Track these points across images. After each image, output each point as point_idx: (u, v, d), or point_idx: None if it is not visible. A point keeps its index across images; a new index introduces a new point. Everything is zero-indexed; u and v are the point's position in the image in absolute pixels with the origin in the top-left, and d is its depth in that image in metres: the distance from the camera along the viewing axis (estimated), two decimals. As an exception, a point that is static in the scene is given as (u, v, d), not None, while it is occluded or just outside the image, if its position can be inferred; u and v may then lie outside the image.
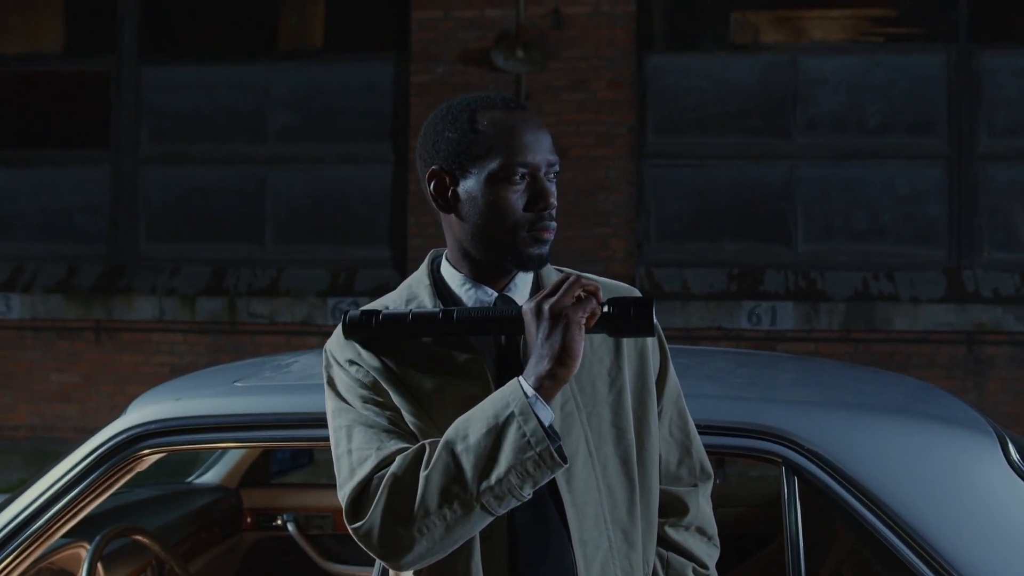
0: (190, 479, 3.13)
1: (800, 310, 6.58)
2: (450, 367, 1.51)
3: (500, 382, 1.46)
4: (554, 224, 1.54)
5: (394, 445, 1.47)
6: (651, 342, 1.64)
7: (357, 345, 1.55)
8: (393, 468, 1.45)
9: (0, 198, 7.47)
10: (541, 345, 1.41)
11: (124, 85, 7.32)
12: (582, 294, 1.42)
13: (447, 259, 1.61)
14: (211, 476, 3.10)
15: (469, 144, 1.53)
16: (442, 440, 1.44)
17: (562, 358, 1.40)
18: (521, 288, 1.58)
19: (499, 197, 1.51)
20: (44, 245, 7.37)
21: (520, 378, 1.43)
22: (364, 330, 1.54)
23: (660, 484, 1.63)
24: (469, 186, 1.54)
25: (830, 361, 2.80)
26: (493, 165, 1.51)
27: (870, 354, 6.55)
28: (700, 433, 1.66)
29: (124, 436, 1.87)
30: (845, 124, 6.83)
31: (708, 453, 1.70)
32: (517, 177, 1.51)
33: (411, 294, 1.59)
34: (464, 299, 1.55)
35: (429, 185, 1.58)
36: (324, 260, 7.08)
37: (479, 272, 1.57)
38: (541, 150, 1.52)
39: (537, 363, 1.42)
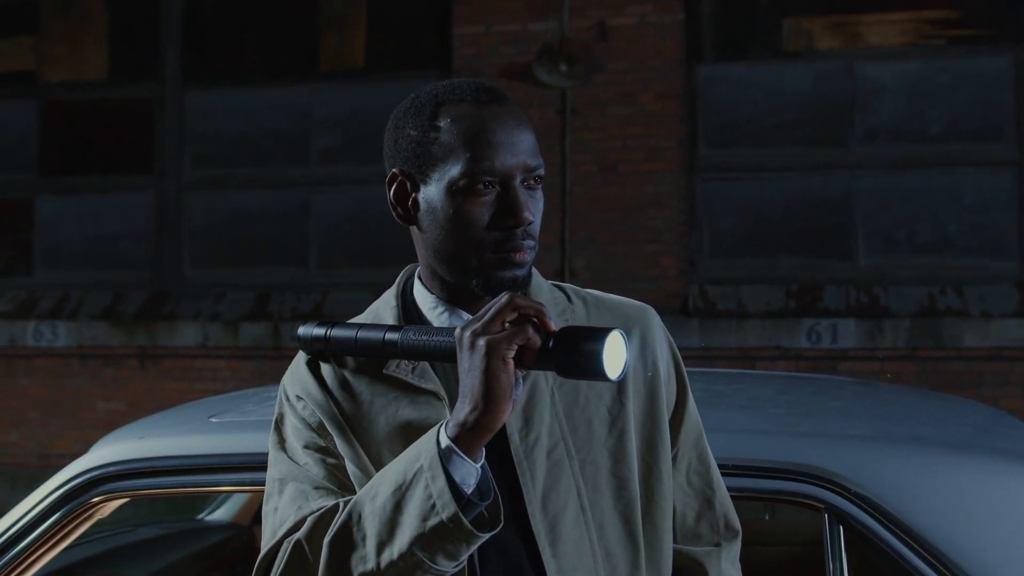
0: (200, 516, 2.96)
1: (863, 327, 6.29)
2: (407, 406, 1.30)
3: None
4: (531, 243, 1.29)
5: (317, 504, 1.26)
6: (666, 368, 1.38)
7: (308, 378, 1.35)
8: (300, 532, 1.24)
9: (46, 226, 7.48)
10: (464, 383, 1.18)
11: (167, 111, 7.29)
12: (508, 324, 1.17)
13: (419, 278, 1.40)
14: (222, 513, 2.92)
15: (428, 144, 1.30)
16: (353, 499, 1.23)
17: (482, 402, 1.16)
18: None
19: (461, 210, 1.27)
20: (89, 272, 7.36)
21: (442, 424, 1.20)
22: (317, 344, 1.34)
23: (675, 543, 1.38)
24: (430, 194, 1.31)
25: (886, 386, 2.53)
26: (454, 172, 1.28)
27: (938, 373, 6.23)
28: (726, 474, 1.41)
29: (78, 481, 1.69)
30: (906, 132, 6.54)
31: (736, 499, 1.44)
32: (481, 187, 1.27)
33: (376, 318, 1.39)
34: (437, 324, 1.34)
35: (389, 191, 1.37)
36: (368, 283, 6.95)
37: (452, 294, 1.34)
38: (515, 153, 1.27)
39: (460, 406, 1.18)
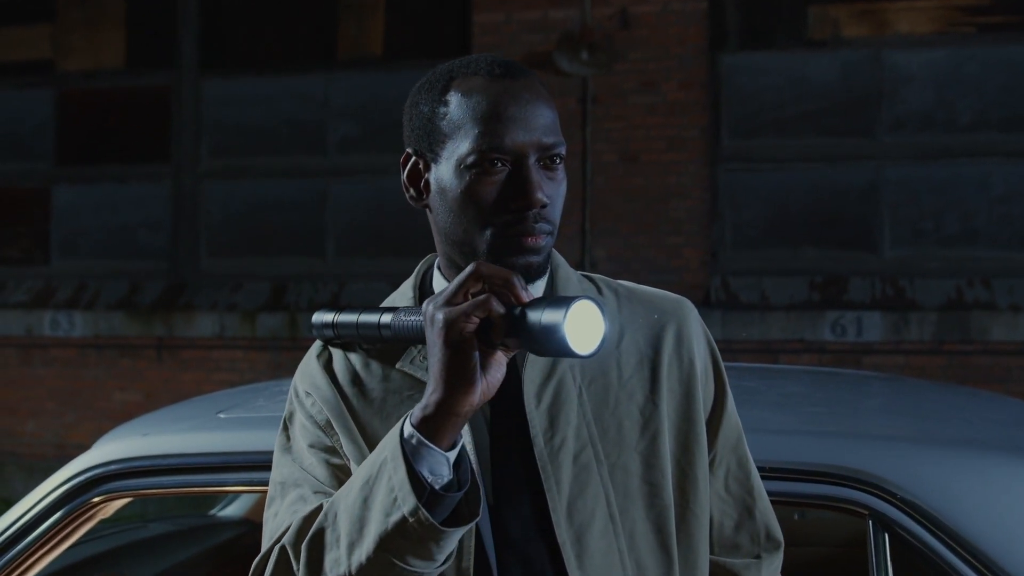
0: (212, 512, 2.89)
1: (888, 320, 6.18)
2: (416, 399, 1.21)
3: (490, 424, 1.16)
4: (546, 227, 1.19)
5: (311, 507, 1.19)
6: (703, 365, 1.28)
7: (318, 373, 1.27)
8: (287, 536, 1.16)
9: (63, 216, 7.45)
10: (428, 363, 1.09)
11: (184, 99, 7.24)
12: (474, 293, 1.07)
13: (438, 268, 1.31)
14: (235, 509, 2.84)
15: (438, 120, 1.22)
16: (331, 499, 1.16)
17: (442, 382, 1.06)
18: None
19: (468, 190, 1.18)
20: (106, 262, 7.33)
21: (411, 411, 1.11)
22: (327, 331, 1.27)
23: (711, 555, 1.28)
24: (440, 174, 1.22)
25: (921, 382, 2.43)
26: (462, 148, 1.19)
27: (965, 367, 6.11)
28: (763, 478, 1.31)
29: (79, 480, 1.61)
30: (934, 121, 6.41)
31: (774, 504, 1.34)
32: (490, 164, 1.17)
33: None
34: None
35: (403, 172, 1.28)
36: (386, 274, 6.89)
37: None
38: (528, 129, 1.18)
39: (426, 389, 1.10)
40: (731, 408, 1.30)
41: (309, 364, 1.32)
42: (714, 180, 6.49)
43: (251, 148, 7.20)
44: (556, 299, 1.06)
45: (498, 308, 1.06)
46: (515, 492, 1.20)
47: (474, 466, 1.16)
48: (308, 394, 1.28)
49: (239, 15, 7.35)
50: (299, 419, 1.28)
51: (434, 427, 1.08)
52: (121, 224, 7.34)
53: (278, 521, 1.21)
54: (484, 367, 1.09)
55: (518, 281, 1.07)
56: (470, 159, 1.18)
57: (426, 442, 1.08)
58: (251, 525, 2.83)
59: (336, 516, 1.13)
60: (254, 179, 7.20)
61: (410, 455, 1.09)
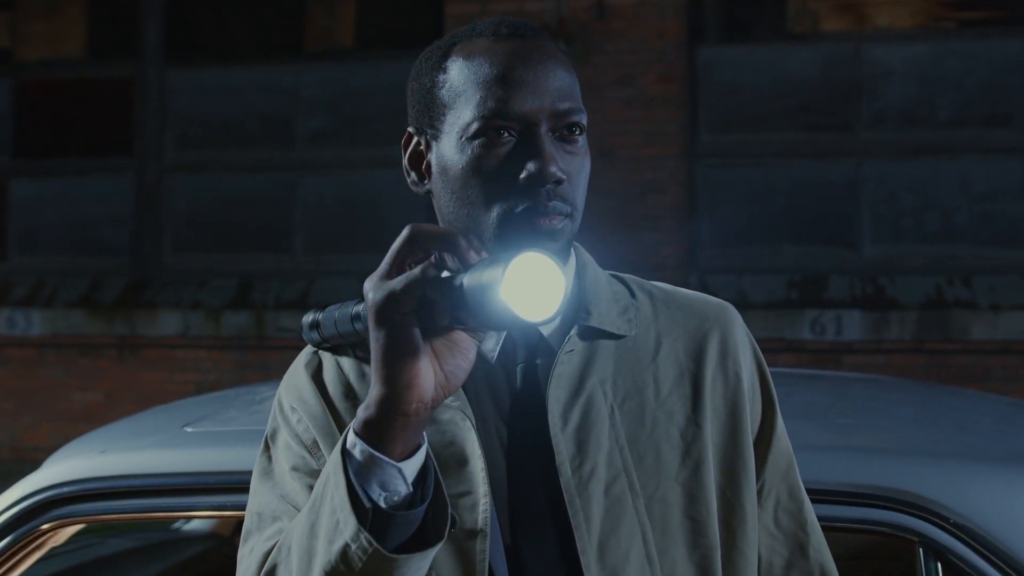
0: (175, 526, 2.71)
1: (868, 319, 6.10)
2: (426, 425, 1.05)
3: (507, 449, 1.00)
4: (564, 208, 1.04)
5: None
6: (749, 380, 1.12)
7: (305, 385, 1.11)
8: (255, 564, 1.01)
9: (21, 210, 7.24)
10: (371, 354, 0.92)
11: (148, 90, 7.04)
12: (415, 262, 0.90)
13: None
14: (201, 522, 2.66)
15: (438, 90, 1.06)
16: (288, 528, 1.00)
17: (382, 375, 0.90)
18: None
19: (472, 165, 1.02)
20: (66, 258, 7.12)
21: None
22: (313, 333, 1.10)
23: None
24: (442, 151, 1.06)
25: (945, 388, 2.30)
26: (464, 117, 1.03)
27: (945, 366, 6.05)
28: None
29: (26, 504, 1.43)
30: (915, 117, 6.34)
31: None
32: (495, 134, 1.01)
33: None
34: None
35: (404, 155, 1.13)
36: (357, 271, 6.71)
37: None
38: (538, 93, 1.02)
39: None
40: (781, 429, 1.14)
41: (296, 374, 1.14)
42: (692, 176, 6.39)
43: (217, 141, 7.02)
44: (498, 256, 0.88)
45: (436, 277, 0.89)
46: (537, 529, 1.03)
47: (480, 495, 0.99)
48: (293, 409, 1.11)
49: (205, 3, 7.17)
50: (283, 438, 1.10)
51: (379, 431, 0.92)
52: (82, 219, 7.14)
53: (253, 558, 1.05)
54: (439, 354, 0.93)
55: (464, 241, 0.90)
56: (472, 128, 1.03)
57: (372, 451, 0.92)
58: (218, 540, 2.65)
59: (289, 549, 0.98)
60: (220, 173, 7.02)
61: (352, 469, 0.92)
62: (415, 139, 1.11)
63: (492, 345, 1.08)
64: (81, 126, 7.23)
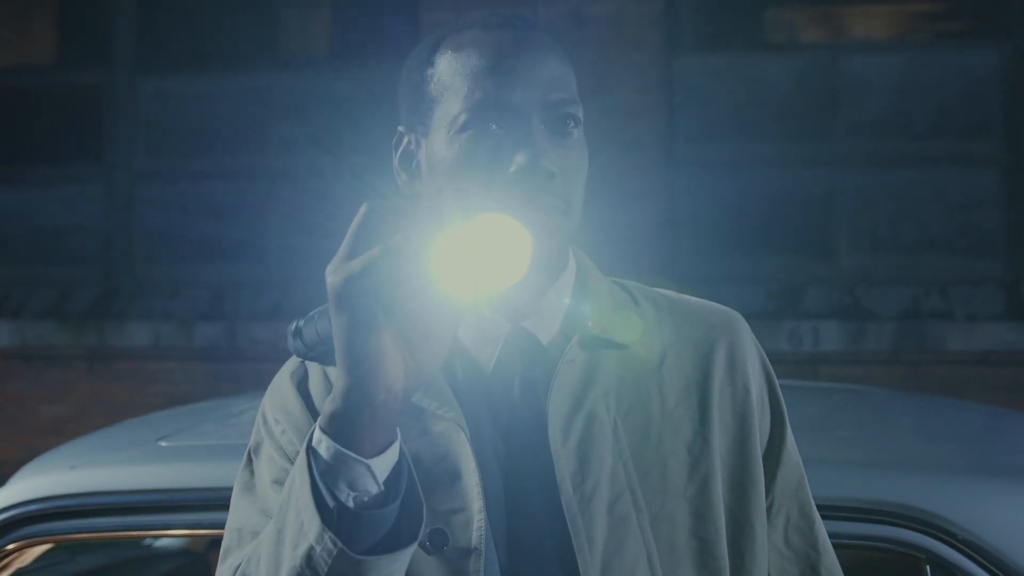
0: (147, 542, 2.63)
1: (845, 330, 6.10)
2: (417, 438, 0.98)
3: (504, 464, 0.94)
4: (555, 202, 0.99)
5: None
6: (757, 391, 1.08)
7: (290, 396, 1.05)
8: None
9: (-12, 219, 7.14)
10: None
11: (119, 98, 6.96)
12: (373, 242, 0.84)
13: None
14: (174, 538, 2.59)
15: (425, 84, 1.04)
16: (259, 536, 0.94)
17: (344, 364, 0.84)
18: (548, 314, 1.05)
19: (460, 159, 0.98)
20: (34, 268, 7.02)
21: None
22: (296, 343, 1.04)
23: None
24: (432, 149, 1.03)
25: (940, 399, 2.27)
26: (451, 110, 1.00)
27: (922, 377, 6.06)
28: None
29: (-10, 523, 1.36)
30: (891, 128, 6.36)
31: None
32: (482, 125, 0.97)
33: None
34: (463, 334, 1.02)
35: (395, 155, 1.08)
36: (331, 281, 6.66)
37: None
38: (530, 82, 0.99)
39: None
40: (791, 444, 1.09)
41: (280, 384, 1.09)
42: (670, 186, 6.37)
43: (189, 149, 6.94)
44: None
45: (397, 256, 0.83)
46: (536, 549, 0.97)
47: (474, 512, 0.94)
48: (277, 421, 1.05)
49: (177, 10, 7.10)
50: (266, 451, 1.04)
51: (346, 425, 0.86)
52: (50, 228, 7.03)
53: (226, 572, 0.99)
54: (410, 341, 0.87)
55: (425, 211, 0.85)
56: (460, 120, 0.99)
57: (339, 447, 0.86)
58: (192, 556, 2.58)
59: (259, 559, 0.92)
60: (192, 181, 6.94)
61: (319, 468, 0.87)
62: (405, 138, 1.06)
63: (488, 355, 1.02)
64: (49, 134, 7.14)
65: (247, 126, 6.89)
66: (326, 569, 0.84)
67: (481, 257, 0.81)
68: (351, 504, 0.85)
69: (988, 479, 1.28)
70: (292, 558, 0.86)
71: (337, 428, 0.86)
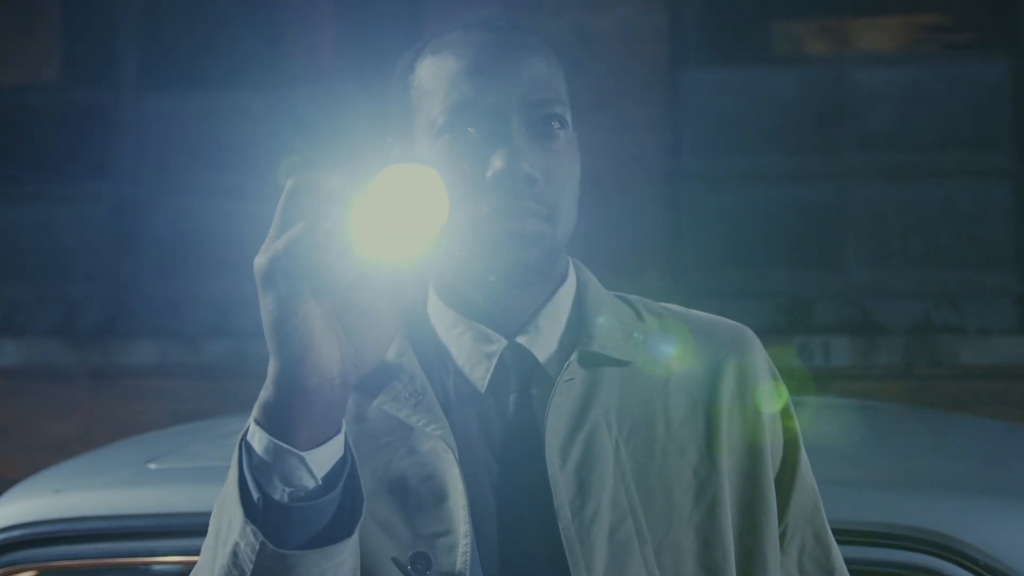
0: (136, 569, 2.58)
1: (856, 344, 6.05)
2: (405, 456, 0.94)
3: (496, 487, 0.90)
4: (537, 207, 0.94)
5: None
6: (769, 409, 1.04)
7: None
8: None
9: (-5, 237, 7.15)
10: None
11: (125, 115, 6.96)
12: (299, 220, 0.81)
13: (433, 287, 1.05)
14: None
15: (408, 91, 1.00)
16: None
17: (272, 349, 0.82)
18: (545, 329, 1.00)
19: (439, 165, 0.93)
20: (40, 286, 7.01)
21: None
22: None
23: None
24: (415, 155, 1.00)
25: (960, 416, 2.21)
26: (431, 115, 0.96)
27: (934, 391, 6.00)
28: None
29: (-30, 551, 1.32)
30: (898, 140, 6.32)
31: None
32: (460, 128, 0.94)
33: None
34: (455, 350, 0.99)
35: None
36: (337, 297, 6.64)
37: (471, 306, 0.99)
38: (510, 83, 0.95)
39: None
40: (805, 466, 1.04)
41: None
42: (674, 200, 6.34)
43: (195, 166, 6.93)
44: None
45: (322, 233, 0.80)
46: None
47: (460, 535, 0.89)
48: None
49: (183, 28, 7.11)
50: None
51: (277, 414, 0.84)
52: (57, 246, 7.02)
53: None
54: (348, 324, 0.84)
55: (349, 184, 0.82)
56: (437, 123, 0.96)
57: (272, 439, 0.83)
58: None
59: (201, 565, 0.90)
60: (199, 198, 6.93)
61: (249, 461, 0.83)
62: (393, 148, 1.03)
63: (482, 373, 0.98)
64: (56, 152, 7.15)
65: (254, 143, 6.89)
66: (251, 567, 0.80)
67: (396, 211, 0.76)
68: (285, 499, 0.81)
69: (1007, 500, 1.23)
70: (222, 556, 0.83)
71: (270, 418, 0.83)
